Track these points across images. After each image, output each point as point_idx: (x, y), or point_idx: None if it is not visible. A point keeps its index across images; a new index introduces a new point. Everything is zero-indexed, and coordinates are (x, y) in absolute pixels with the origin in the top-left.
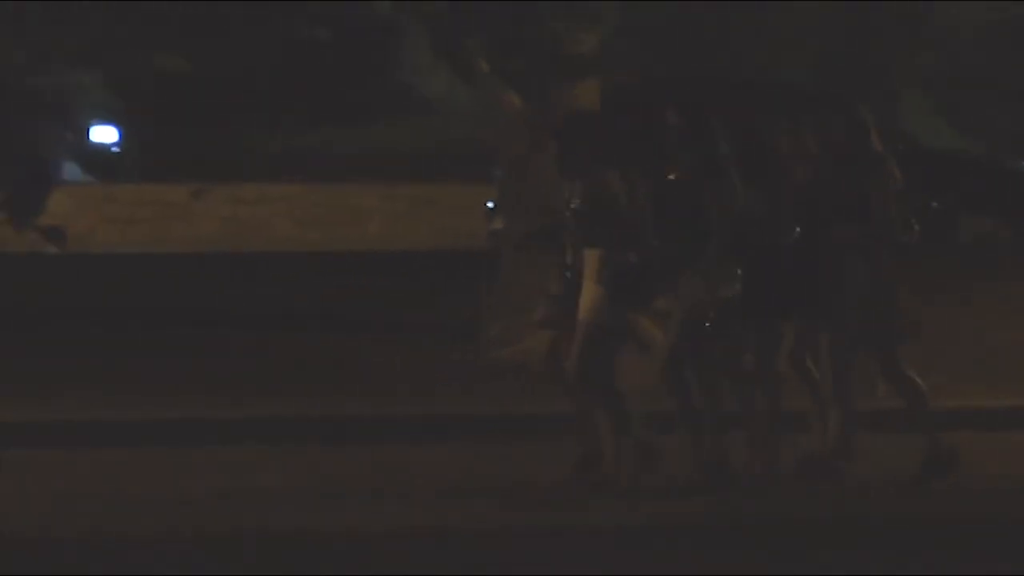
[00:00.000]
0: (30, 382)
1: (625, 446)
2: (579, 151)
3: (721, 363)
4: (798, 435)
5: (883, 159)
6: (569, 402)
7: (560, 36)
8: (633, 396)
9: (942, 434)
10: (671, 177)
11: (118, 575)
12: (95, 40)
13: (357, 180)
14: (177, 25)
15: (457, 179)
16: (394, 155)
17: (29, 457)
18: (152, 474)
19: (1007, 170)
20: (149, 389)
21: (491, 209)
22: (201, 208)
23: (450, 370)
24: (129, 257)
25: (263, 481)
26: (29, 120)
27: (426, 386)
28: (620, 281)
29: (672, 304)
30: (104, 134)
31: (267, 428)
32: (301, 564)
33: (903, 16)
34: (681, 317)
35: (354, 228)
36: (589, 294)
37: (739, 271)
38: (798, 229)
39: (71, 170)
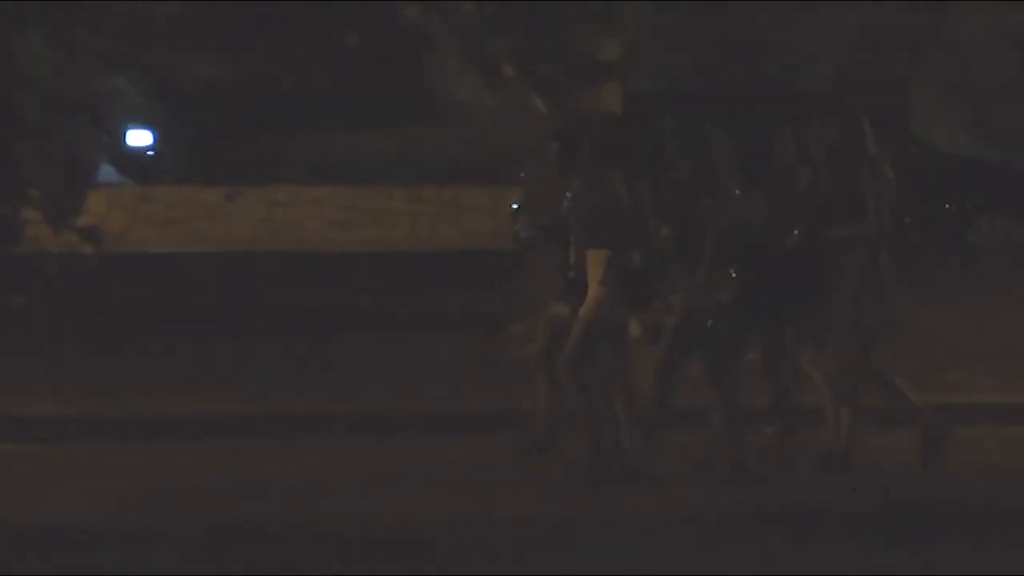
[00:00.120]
0: (66, 377)
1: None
2: (576, 152)
3: (724, 363)
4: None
5: (878, 160)
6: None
7: (584, 43)
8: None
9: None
10: (667, 182)
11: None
12: (132, 46)
13: (386, 183)
14: (212, 32)
15: (483, 182)
16: (422, 159)
17: (68, 451)
18: (193, 465)
19: (1021, 174)
20: (181, 384)
21: (515, 210)
22: (235, 209)
23: (474, 366)
24: (164, 256)
25: (299, 472)
26: (67, 123)
27: (451, 382)
28: (623, 282)
29: (664, 307)
30: (140, 137)
31: (297, 421)
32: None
33: (920, 26)
34: (675, 320)
35: (382, 229)
36: (592, 294)
37: (734, 275)
38: (797, 231)
39: (107, 172)
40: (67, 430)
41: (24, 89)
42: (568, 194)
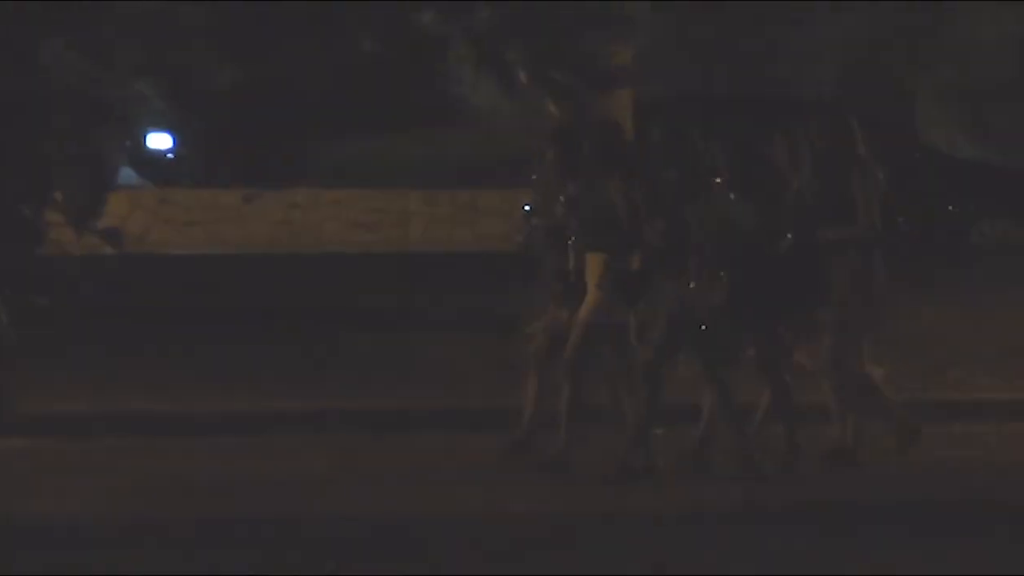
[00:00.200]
0: (87, 376)
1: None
2: (573, 158)
3: (721, 363)
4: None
5: (868, 162)
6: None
7: (597, 49)
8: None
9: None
10: (656, 188)
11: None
12: (154, 51)
13: (403, 185)
14: (231, 37)
15: (497, 185)
16: (438, 162)
17: (86, 448)
18: (214, 460)
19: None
20: (199, 383)
21: (528, 213)
22: (254, 211)
23: (488, 367)
24: (184, 258)
25: (316, 468)
26: (89, 127)
27: (466, 380)
28: (621, 286)
29: (651, 307)
30: (160, 140)
31: (316, 418)
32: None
33: (921, 27)
34: (662, 320)
35: (399, 231)
36: (590, 297)
37: (724, 278)
38: (791, 234)
39: (127, 175)
40: (87, 428)
41: (47, 93)
42: (562, 199)
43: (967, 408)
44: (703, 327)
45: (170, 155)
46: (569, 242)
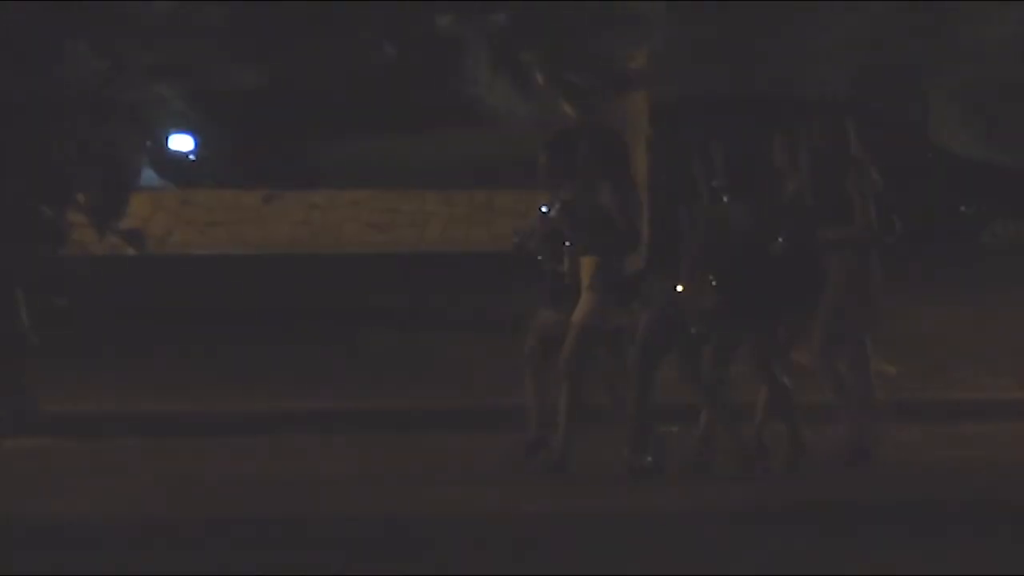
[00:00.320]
0: (109, 377)
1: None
2: (567, 162)
3: (718, 363)
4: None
5: (864, 163)
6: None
7: (613, 51)
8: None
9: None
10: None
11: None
12: (175, 53)
13: (420, 186)
14: (252, 39)
15: (513, 186)
16: (455, 162)
17: (106, 445)
18: (231, 461)
19: None
20: (222, 383)
21: (544, 213)
22: (274, 212)
23: (505, 364)
24: (205, 258)
25: (330, 468)
26: (111, 128)
27: (483, 380)
28: (615, 288)
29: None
30: (182, 142)
31: (332, 418)
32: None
33: (933, 27)
34: (650, 320)
35: (416, 231)
36: (584, 300)
37: (713, 282)
38: (784, 235)
39: (149, 176)
40: (109, 428)
41: (69, 95)
42: (557, 204)
43: (975, 407)
44: (692, 330)
45: (192, 157)
46: (564, 244)
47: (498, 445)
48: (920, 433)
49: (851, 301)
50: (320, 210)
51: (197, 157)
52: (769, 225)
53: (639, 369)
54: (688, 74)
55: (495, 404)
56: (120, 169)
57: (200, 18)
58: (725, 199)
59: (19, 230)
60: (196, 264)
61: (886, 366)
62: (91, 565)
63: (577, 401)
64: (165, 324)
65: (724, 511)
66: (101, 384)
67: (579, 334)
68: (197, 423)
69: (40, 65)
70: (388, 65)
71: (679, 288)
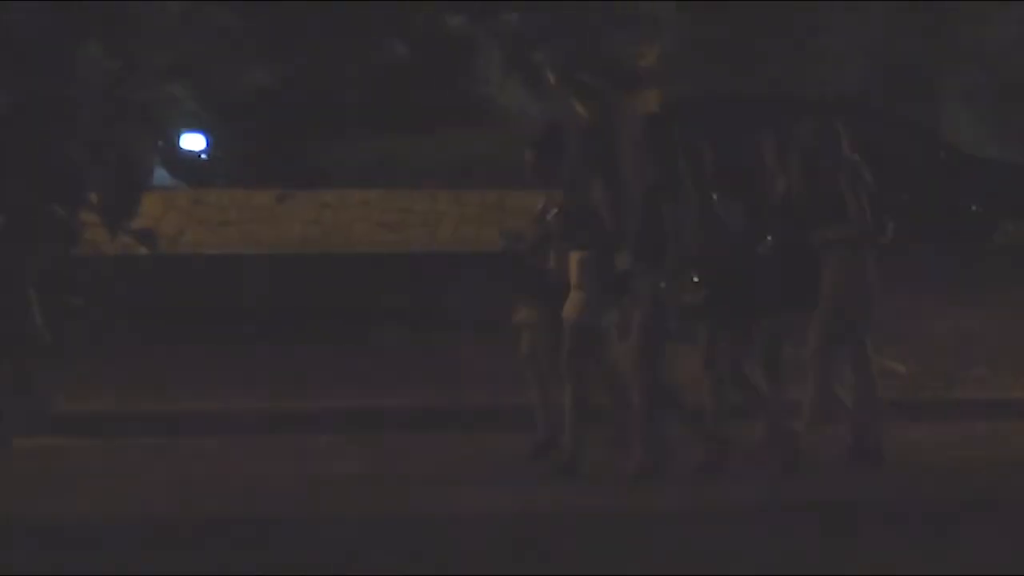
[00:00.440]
0: (121, 376)
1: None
2: (556, 160)
3: (716, 363)
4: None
5: (856, 164)
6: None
7: (623, 50)
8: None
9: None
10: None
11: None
12: (187, 53)
13: (431, 186)
14: (263, 39)
15: (525, 185)
16: (466, 162)
17: (119, 444)
18: (244, 460)
19: None
20: (234, 382)
21: (556, 213)
22: (286, 212)
23: (515, 363)
24: (217, 258)
25: (340, 467)
26: (123, 128)
27: (491, 379)
28: (604, 285)
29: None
30: (193, 141)
31: (347, 418)
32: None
33: (949, 29)
34: (643, 317)
35: (427, 230)
36: (573, 297)
37: (695, 279)
38: (773, 235)
39: (161, 175)
40: (121, 428)
41: (82, 95)
42: (546, 202)
43: (992, 407)
44: (676, 327)
45: (203, 156)
46: (552, 242)
47: (509, 445)
48: (922, 432)
49: (850, 301)
50: (331, 209)
51: (209, 157)
52: (758, 225)
53: (641, 369)
54: (701, 73)
55: (506, 404)
56: (132, 169)
57: (212, 18)
58: (715, 197)
59: (31, 230)
60: (208, 263)
61: (897, 365)
62: (91, 565)
63: (582, 401)
64: (176, 323)
65: (724, 511)
66: (113, 383)
67: (574, 333)
68: (208, 422)
69: (53, 65)
70: (399, 65)
71: (660, 285)
